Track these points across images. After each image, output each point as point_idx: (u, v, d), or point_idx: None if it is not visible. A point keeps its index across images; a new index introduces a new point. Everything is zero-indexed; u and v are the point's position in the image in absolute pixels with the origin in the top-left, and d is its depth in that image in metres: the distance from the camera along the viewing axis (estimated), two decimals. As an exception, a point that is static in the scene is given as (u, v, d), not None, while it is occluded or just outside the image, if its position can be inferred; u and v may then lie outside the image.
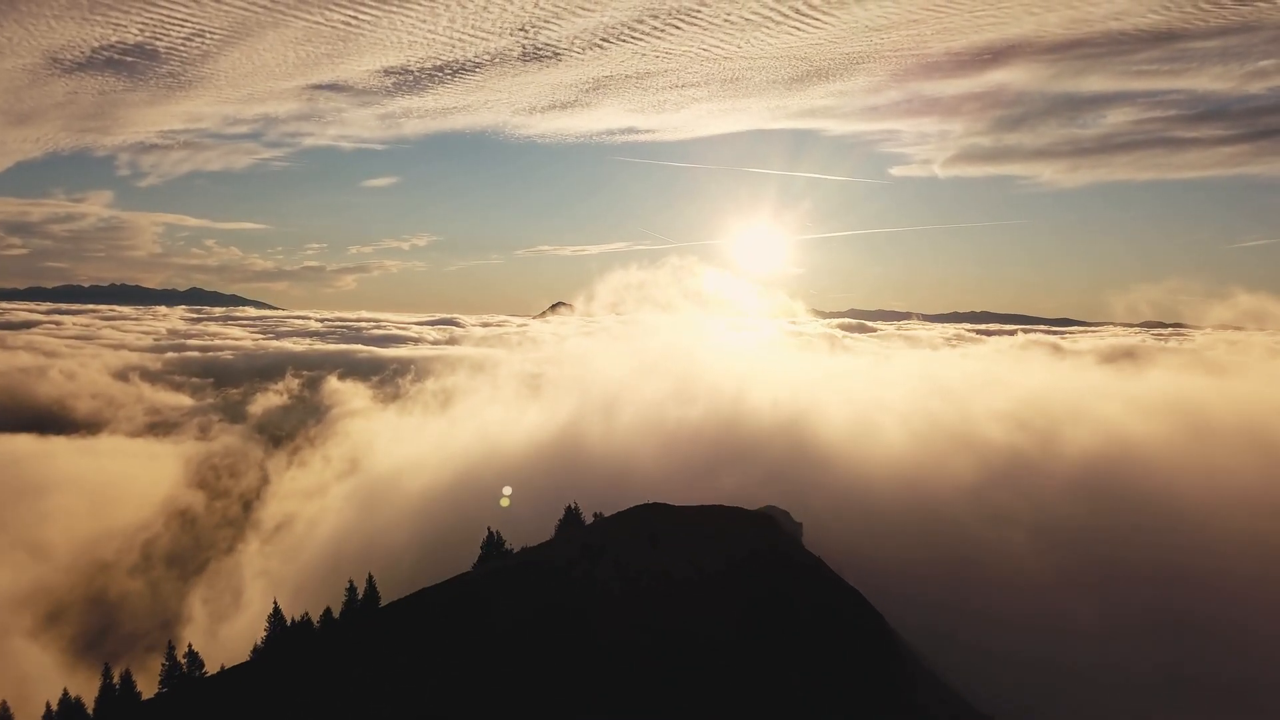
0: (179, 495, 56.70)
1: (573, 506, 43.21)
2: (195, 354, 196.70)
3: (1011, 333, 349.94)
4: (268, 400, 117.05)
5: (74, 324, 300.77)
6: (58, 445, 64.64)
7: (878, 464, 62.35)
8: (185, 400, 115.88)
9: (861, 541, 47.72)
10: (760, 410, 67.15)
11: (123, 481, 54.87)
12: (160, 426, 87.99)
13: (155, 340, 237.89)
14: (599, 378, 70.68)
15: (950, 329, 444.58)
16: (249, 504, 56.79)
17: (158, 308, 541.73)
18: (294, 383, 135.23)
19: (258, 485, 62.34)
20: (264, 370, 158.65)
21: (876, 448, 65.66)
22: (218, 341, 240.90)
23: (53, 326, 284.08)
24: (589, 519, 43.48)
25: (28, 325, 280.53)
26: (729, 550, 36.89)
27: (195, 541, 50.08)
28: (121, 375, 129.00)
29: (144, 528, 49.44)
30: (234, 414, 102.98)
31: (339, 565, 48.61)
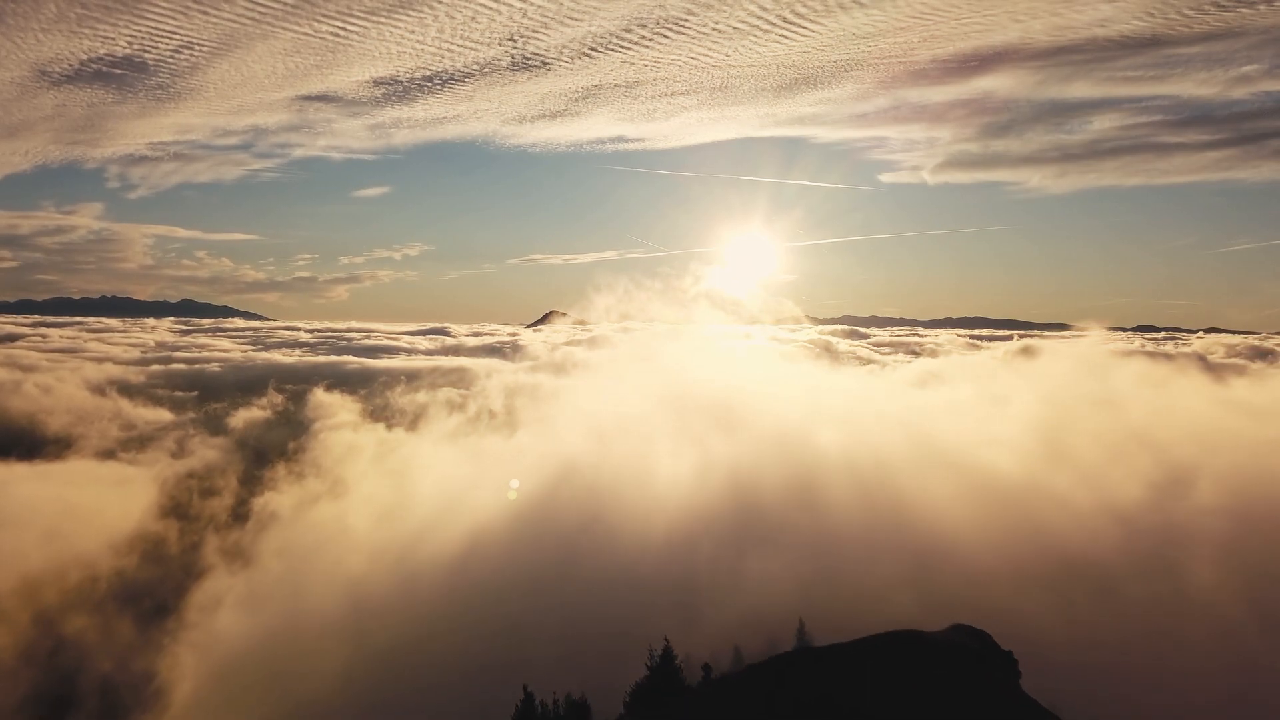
0: (140, 528, 51.87)
1: (665, 649, 26.81)
2: (181, 366, 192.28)
3: (1007, 338, 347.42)
4: (251, 414, 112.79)
5: (60, 337, 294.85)
6: (16, 472, 59.75)
7: (1034, 531, 38.57)
8: (165, 415, 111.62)
9: (1093, 676, 30.17)
10: (830, 448, 45.63)
11: (80, 513, 49.76)
12: (134, 444, 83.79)
13: (142, 353, 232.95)
14: (609, 398, 62.43)
15: (943, 335, 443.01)
16: (206, 544, 51.81)
17: (146, 319, 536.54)
18: (280, 396, 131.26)
19: (223, 516, 57.72)
20: (250, 382, 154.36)
21: (1017, 505, 40.23)
22: (205, 354, 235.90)
23: (38, 339, 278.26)
24: (679, 659, 27.21)
25: (11, 339, 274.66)
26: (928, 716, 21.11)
27: (149, 582, 45.17)
28: (100, 390, 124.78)
29: (93, 567, 44.51)
30: (215, 429, 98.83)
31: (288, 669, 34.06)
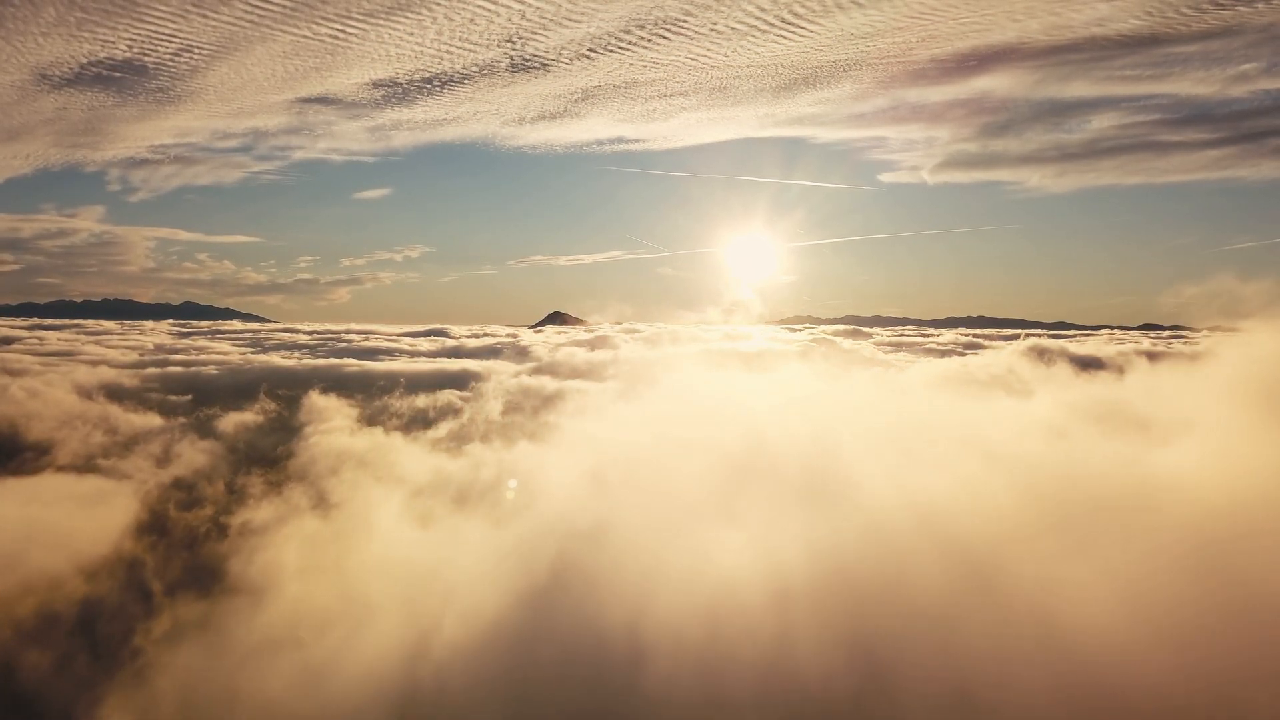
0: (111, 548, 47.98)
1: None
2: (178, 369, 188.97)
3: (1014, 336, 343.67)
4: (243, 419, 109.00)
5: (58, 340, 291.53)
6: (-21, 490, 55.68)
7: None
8: (155, 420, 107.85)
9: None
10: (921, 494, 30.30)
11: (49, 532, 46.48)
12: (117, 451, 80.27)
13: (140, 355, 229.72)
14: (616, 406, 55.74)
15: (946, 334, 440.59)
16: (180, 565, 48.00)
17: (145, 322, 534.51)
18: (275, 399, 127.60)
19: (202, 532, 53.96)
20: (246, 386, 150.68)
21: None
22: (203, 356, 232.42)
23: (35, 342, 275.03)
24: None
25: (7, 341, 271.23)
26: None
27: (115, 611, 41.33)
28: (89, 394, 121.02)
29: (55, 594, 40.88)
30: (205, 435, 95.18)
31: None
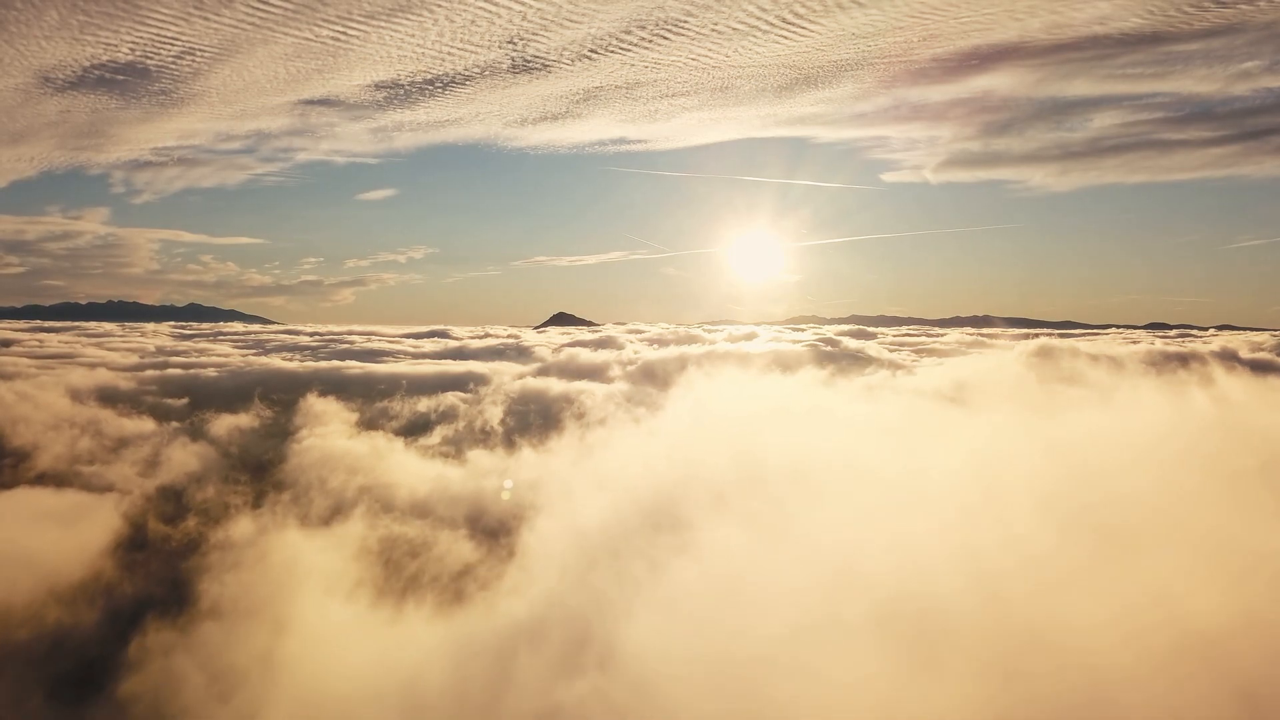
0: (88, 568, 44.72)
1: None
2: (177, 371, 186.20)
3: (1023, 336, 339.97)
4: (239, 422, 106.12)
5: (58, 342, 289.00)
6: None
7: None
8: (148, 425, 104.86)
9: None
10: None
11: (22, 551, 43.54)
12: (103, 457, 77.42)
13: (139, 358, 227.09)
14: (622, 406, 51.96)
15: (952, 333, 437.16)
16: (162, 583, 44.80)
17: (145, 324, 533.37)
18: (272, 403, 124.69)
19: (190, 546, 50.81)
20: (245, 388, 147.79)
21: None
22: (203, 359, 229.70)
23: (35, 345, 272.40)
24: None
25: (7, 344, 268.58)
26: None
27: (88, 638, 38.06)
28: (82, 398, 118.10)
29: (13, 631, 37.59)
30: (198, 439, 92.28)
31: None
